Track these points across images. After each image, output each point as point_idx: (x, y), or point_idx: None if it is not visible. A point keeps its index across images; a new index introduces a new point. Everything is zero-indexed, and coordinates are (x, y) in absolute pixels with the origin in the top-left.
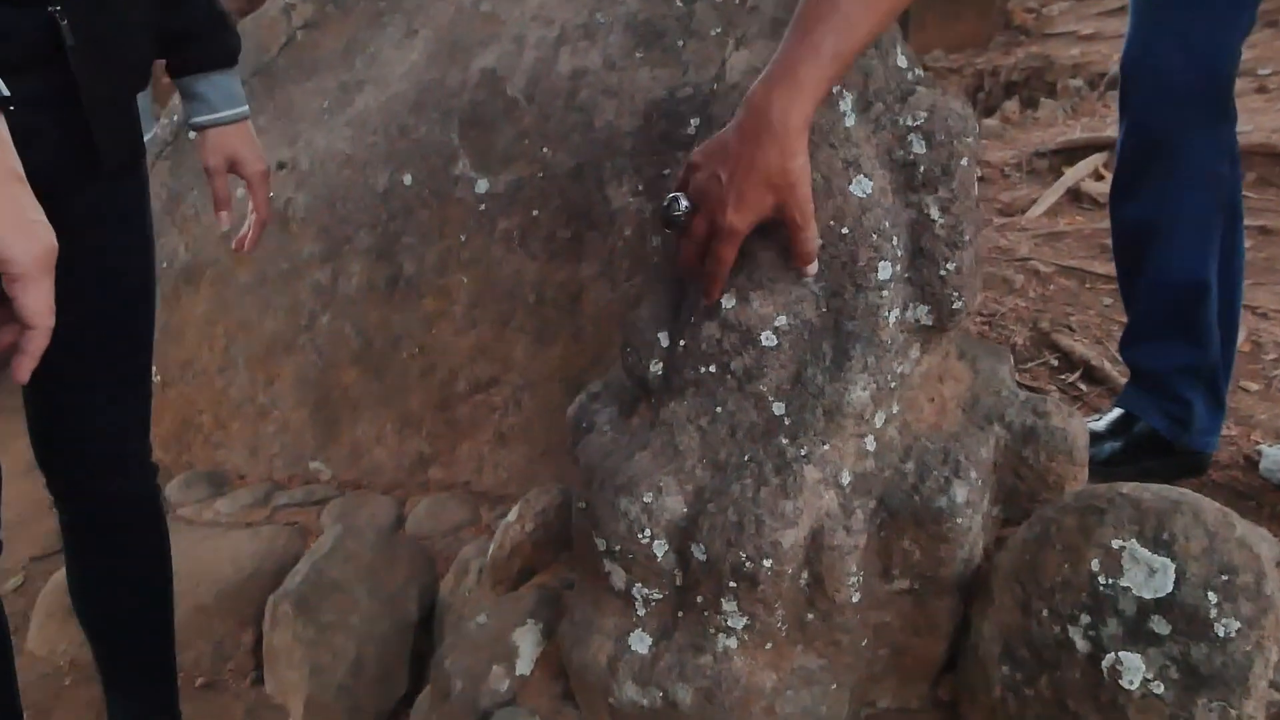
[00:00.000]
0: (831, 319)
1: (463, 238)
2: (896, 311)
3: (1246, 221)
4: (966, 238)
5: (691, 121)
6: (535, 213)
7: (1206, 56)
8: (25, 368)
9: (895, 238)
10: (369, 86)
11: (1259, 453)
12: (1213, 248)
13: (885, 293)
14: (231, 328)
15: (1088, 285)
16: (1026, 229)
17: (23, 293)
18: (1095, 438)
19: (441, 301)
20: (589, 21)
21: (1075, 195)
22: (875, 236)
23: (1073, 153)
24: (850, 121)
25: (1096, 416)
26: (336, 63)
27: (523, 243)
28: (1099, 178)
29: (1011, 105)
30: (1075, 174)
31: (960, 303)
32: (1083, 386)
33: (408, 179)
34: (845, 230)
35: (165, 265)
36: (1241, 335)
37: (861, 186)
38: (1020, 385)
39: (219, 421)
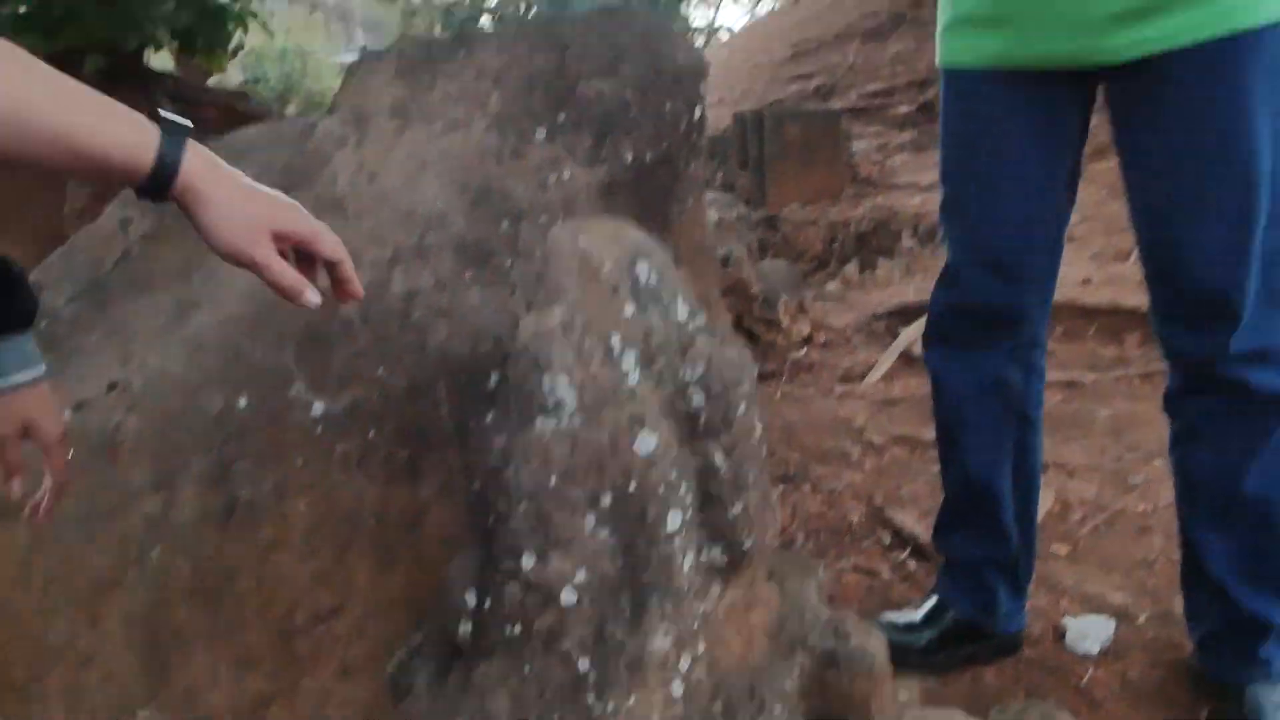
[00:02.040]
0: (627, 572)
1: (300, 461)
2: (691, 556)
3: (1054, 376)
4: (751, 479)
5: (492, 375)
6: (372, 434)
7: (1011, 281)
8: None
9: (683, 486)
10: (206, 305)
11: (1065, 625)
12: (1005, 454)
13: (677, 541)
14: (52, 566)
15: (918, 454)
16: (864, 396)
17: None
18: (915, 627)
19: (279, 529)
20: (420, 242)
21: (908, 359)
22: (663, 489)
23: (907, 314)
24: (634, 379)
25: (918, 602)
26: (174, 279)
27: (361, 465)
28: None
29: (851, 268)
30: (907, 337)
31: (751, 541)
32: (912, 564)
33: (243, 402)
34: (634, 487)
35: None
36: (1049, 497)
37: (646, 443)
38: (856, 569)
39: (34, 673)
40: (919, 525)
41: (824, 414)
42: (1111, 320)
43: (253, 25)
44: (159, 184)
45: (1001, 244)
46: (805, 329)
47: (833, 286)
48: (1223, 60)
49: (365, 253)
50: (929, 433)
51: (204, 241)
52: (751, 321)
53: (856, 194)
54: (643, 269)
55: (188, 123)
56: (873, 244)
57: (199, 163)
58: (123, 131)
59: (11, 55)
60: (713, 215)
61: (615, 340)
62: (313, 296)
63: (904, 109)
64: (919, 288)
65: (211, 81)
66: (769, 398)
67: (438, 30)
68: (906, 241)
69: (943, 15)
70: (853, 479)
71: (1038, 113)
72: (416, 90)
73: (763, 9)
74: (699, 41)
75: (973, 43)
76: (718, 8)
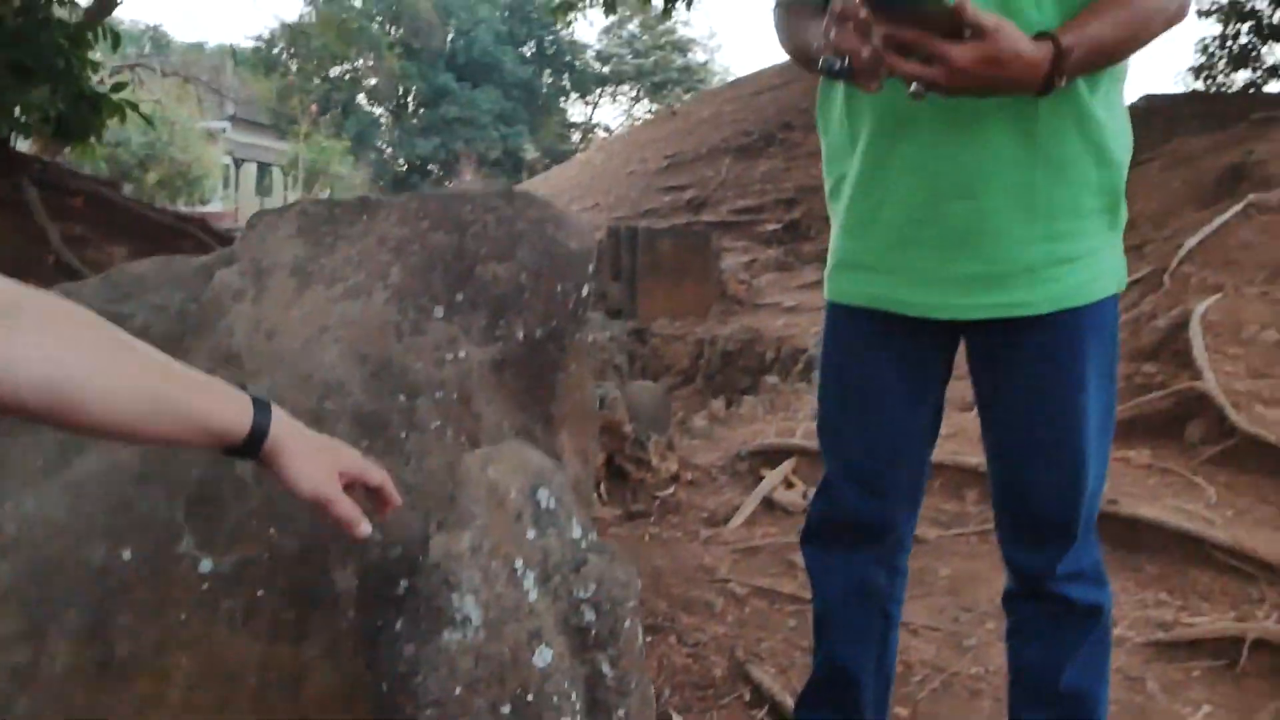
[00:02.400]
0: None
1: (183, 617)
2: None
3: None
4: (633, 685)
5: (402, 583)
6: (260, 593)
7: (879, 498)
8: None
9: (574, 694)
10: (92, 448)
11: None
12: (869, 646)
13: None
14: None
15: (776, 606)
16: (728, 542)
17: None
18: None
19: (157, 684)
20: (318, 408)
21: (769, 504)
22: (556, 698)
23: (768, 455)
24: (534, 596)
25: None
26: None
27: (246, 623)
28: (789, 485)
29: (717, 404)
30: (769, 482)
31: None
32: None
33: (127, 554)
34: (531, 697)
35: None
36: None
37: (543, 656)
38: None
39: None
40: (777, 683)
41: (690, 560)
42: (953, 475)
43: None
44: (253, 447)
45: (871, 465)
46: (674, 466)
47: (700, 422)
48: (1063, 330)
49: None
50: (788, 583)
51: (286, 487)
52: (623, 460)
53: (724, 311)
54: (543, 495)
55: (266, 398)
56: (738, 363)
57: (282, 426)
58: (230, 407)
59: (141, 347)
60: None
61: (518, 563)
62: (366, 528)
63: (771, 226)
64: (781, 427)
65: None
66: (639, 540)
67: (313, 110)
68: (770, 378)
69: (830, 257)
70: (716, 631)
71: (906, 351)
72: (318, 250)
73: (639, 110)
74: (576, 137)
75: (851, 284)
76: (595, 105)
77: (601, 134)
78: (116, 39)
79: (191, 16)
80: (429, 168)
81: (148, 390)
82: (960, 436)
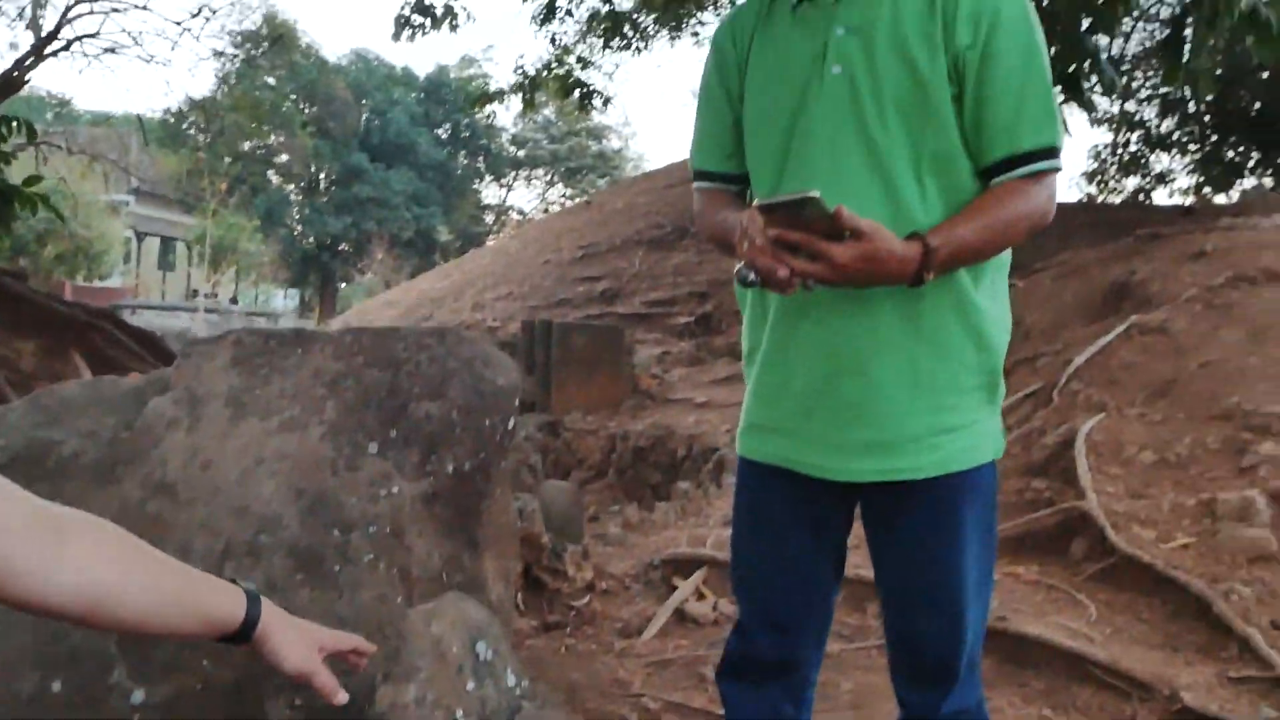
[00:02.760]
0: None
1: None
2: None
3: None
4: None
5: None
6: None
7: (789, 637)
8: None
9: None
10: None
11: None
12: None
13: None
14: None
15: None
16: (641, 655)
17: None
18: None
19: None
20: (253, 541)
21: (681, 615)
22: None
23: (680, 564)
24: None
25: None
26: None
27: None
28: (701, 596)
29: (631, 509)
30: (681, 593)
31: None
32: None
33: (57, 686)
34: None
35: None
36: None
37: None
38: None
39: None
40: None
41: (604, 673)
42: (855, 589)
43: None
44: (245, 634)
45: (781, 609)
46: (589, 575)
47: (614, 528)
48: (945, 493)
49: (196, 542)
50: (699, 697)
51: (273, 664)
52: (540, 570)
53: (636, 405)
54: (482, 647)
55: (255, 590)
56: (650, 460)
57: (270, 614)
58: (227, 601)
59: (157, 556)
60: None
61: (459, 713)
62: (343, 696)
63: (684, 319)
64: (693, 534)
65: None
66: (555, 652)
67: (223, 187)
68: (683, 483)
69: (742, 418)
70: None
71: (810, 507)
72: (253, 381)
73: (554, 194)
74: (489, 219)
75: (761, 445)
76: (509, 189)
77: (515, 217)
78: (31, 133)
79: (100, 89)
80: (340, 246)
81: (169, 594)
82: (863, 548)
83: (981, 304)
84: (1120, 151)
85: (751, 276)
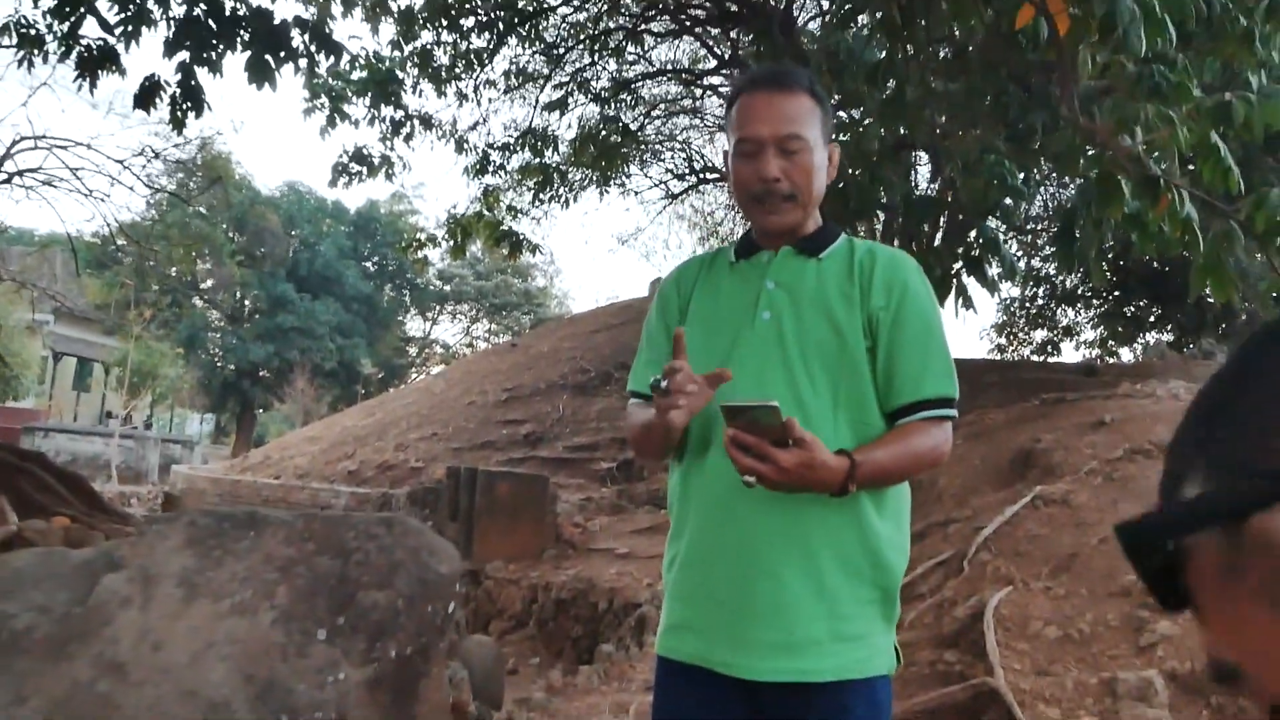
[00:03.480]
0: None
1: None
2: None
3: None
4: None
5: None
6: None
7: None
8: None
9: None
10: None
11: None
12: None
13: None
14: None
15: None
16: None
17: None
18: None
19: None
20: None
21: None
22: None
23: None
24: None
25: None
26: None
27: None
28: None
29: (555, 674)
30: None
31: None
32: None
33: None
34: None
35: None
36: None
37: None
38: None
39: None
40: None
41: None
42: None
43: None
44: None
45: None
46: None
47: (538, 694)
48: (843, 699)
49: None
50: None
51: None
52: None
53: (558, 554)
54: None
55: None
56: (571, 612)
57: None
58: None
59: None
60: None
61: None
62: None
63: (606, 464)
64: (615, 701)
65: None
66: None
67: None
68: (606, 646)
69: (662, 619)
70: None
71: (720, 703)
72: (205, 563)
73: (478, 329)
74: (413, 351)
75: (677, 643)
76: (434, 322)
77: (439, 350)
78: None
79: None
80: (261, 374)
81: None
82: None
83: (881, 530)
84: (1028, 305)
85: (663, 382)
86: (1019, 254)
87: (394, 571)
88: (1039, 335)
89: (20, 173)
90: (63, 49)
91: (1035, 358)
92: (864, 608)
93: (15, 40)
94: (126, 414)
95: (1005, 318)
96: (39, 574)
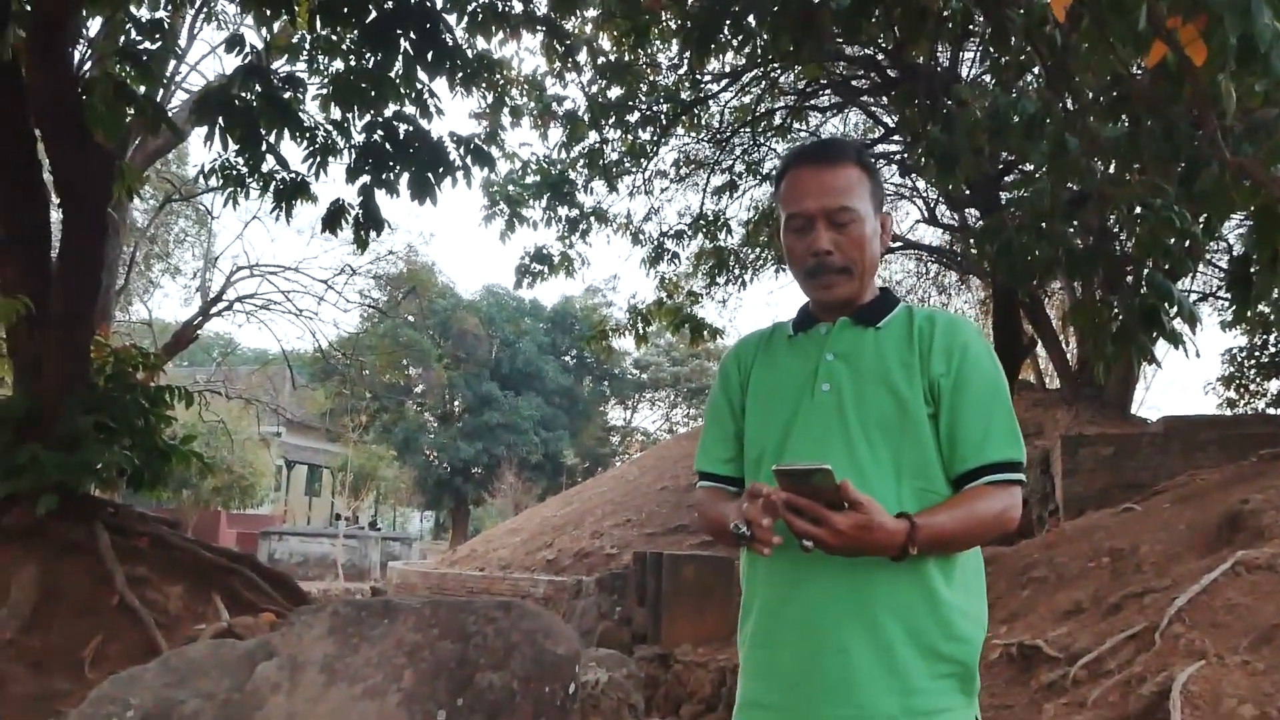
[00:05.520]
0: None
1: None
2: None
3: None
4: None
5: None
6: None
7: None
8: None
9: None
10: None
11: None
12: None
13: None
14: None
15: None
16: None
17: None
18: None
19: None
20: None
21: None
22: None
23: None
24: None
25: None
26: None
27: None
28: None
29: None
30: None
31: None
32: None
33: None
34: None
35: None
36: None
37: None
38: None
39: None
40: None
41: None
42: None
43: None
44: None
45: None
46: None
47: None
48: None
49: None
50: None
51: None
52: None
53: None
54: None
55: None
56: None
57: None
58: None
59: None
60: (603, 675)
61: None
62: None
63: None
64: None
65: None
66: None
67: (364, 419)
68: None
69: (737, 696)
70: None
71: None
72: (344, 650)
73: (677, 414)
74: (615, 440)
75: (746, 719)
76: (633, 410)
77: (640, 438)
78: (189, 400)
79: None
80: (472, 470)
81: None
82: None
83: (951, 600)
84: (1257, 354)
85: (744, 529)
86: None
87: (510, 653)
88: (1273, 386)
89: (240, 299)
90: (261, 185)
91: (1271, 410)
92: (939, 682)
93: (221, 181)
94: (353, 514)
95: (1232, 369)
96: (208, 663)
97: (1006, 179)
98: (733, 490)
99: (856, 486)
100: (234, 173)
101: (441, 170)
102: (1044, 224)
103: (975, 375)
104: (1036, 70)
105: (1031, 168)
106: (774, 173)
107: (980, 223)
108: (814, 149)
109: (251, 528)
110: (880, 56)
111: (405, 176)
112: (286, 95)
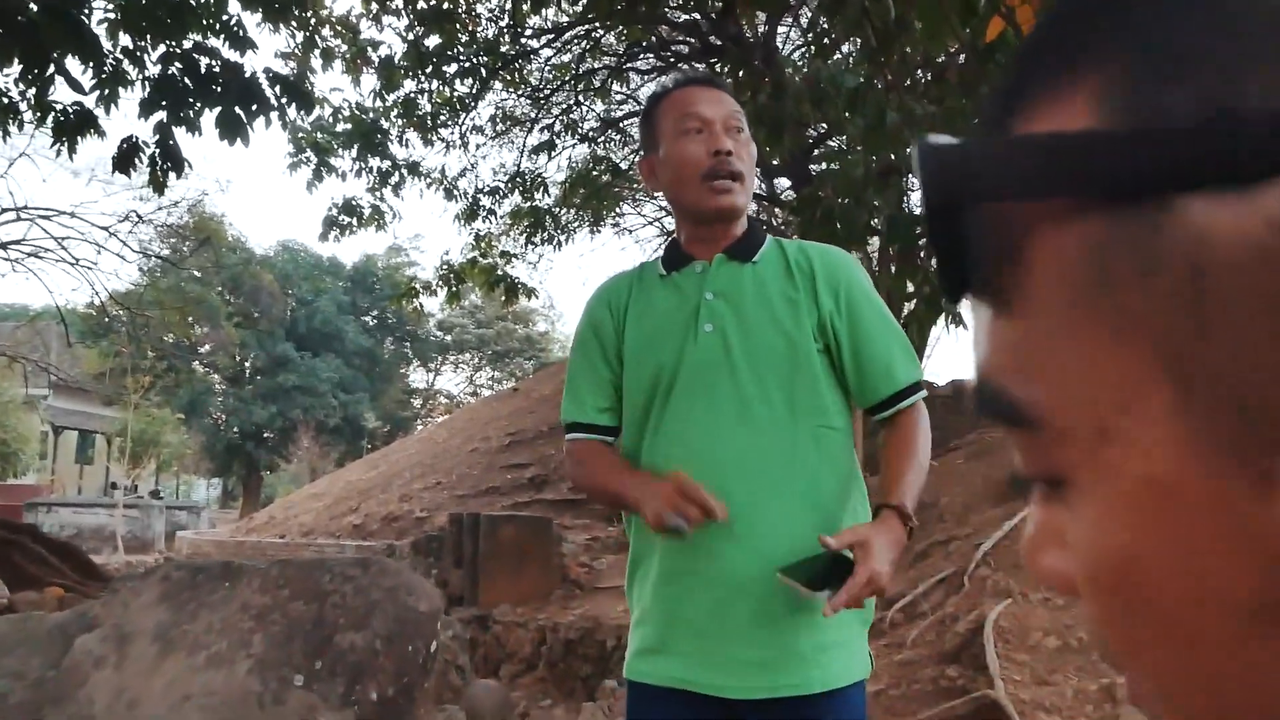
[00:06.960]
0: None
1: None
2: None
3: None
4: None
5: None
6: None
7: None
8: None
9: None
10: None
11: None
12: None
13: None
14: None
15: None
16: None
17: None
18: None
19: None
20: None
21: None
22: None
23: None
24: None
25: None
26: None
27: None
28: None
29: (559, 711)
30: None
31: None
32: None
33: None
34: None
35: None
36: None
37: None
38: None
39: None
40: None
41: None
42: None
43: None
44: None
45: None
46: None
47: None
48: (822, 709)
49: None
50: None
51: None
52: None
53: (565, 595)
54: None
55: None
56: (579, 652)
57: None
58: None
59: None
60: None
61: None
62: None
63: None
64: None
65: None
66: None
67: (145, 380)
68: (609, 681)
69: (630, 644)
70: None
71: None
72: (180, 617)
73: (481, 378)
74: (417, 403)
75: (651, 666)
76: (436, 373)
77: (443, 400)
78: None
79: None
80: (265, 435)
81: None
82: None
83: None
84: None
85: (683, 525)
86: None
87: (371, 612)
88: None
89: (4, 245)
90: (38, 115)
91: None
92: (843, 614)
93: None
94: (131, 484)
95: None
96: (13, 639)
97: (815, 152)
98: (610, 441)
99: (745, 429)
100: (4, 101)
101: (255, 108)
102: (858, 194)
103: (866, 305)
104: (858, 42)
105: (841, 141)
106: (591, 134)
107: (792, 192)
108: (701, 77)
109: (15, 499)
110: (702, 21)
111: (212, 114)
112: (75, 13)
